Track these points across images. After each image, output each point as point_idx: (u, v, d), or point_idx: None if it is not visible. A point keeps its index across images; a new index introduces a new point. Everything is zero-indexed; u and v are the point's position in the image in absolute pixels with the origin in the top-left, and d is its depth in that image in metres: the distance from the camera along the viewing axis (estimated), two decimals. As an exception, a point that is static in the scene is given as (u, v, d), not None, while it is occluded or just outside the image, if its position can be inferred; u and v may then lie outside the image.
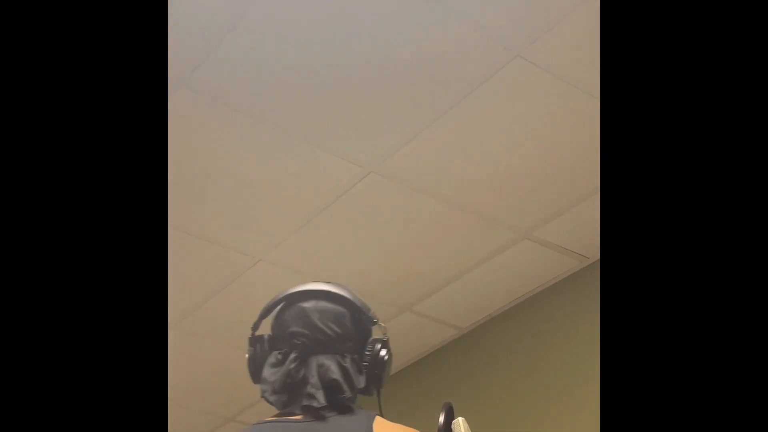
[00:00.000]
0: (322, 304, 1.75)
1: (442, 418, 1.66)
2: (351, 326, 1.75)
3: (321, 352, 1.70)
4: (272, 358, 1.72)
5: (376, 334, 1.81)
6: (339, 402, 1.67)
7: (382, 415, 1.69)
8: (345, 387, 1.68)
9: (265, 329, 1.82)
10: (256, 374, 1.76)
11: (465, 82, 2.61)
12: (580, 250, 3.32)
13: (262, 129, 2.76)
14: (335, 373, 1.68)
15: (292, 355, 1.70)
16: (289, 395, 1.68)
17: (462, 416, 1.67)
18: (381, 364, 1.74)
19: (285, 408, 1.68)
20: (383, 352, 1.74)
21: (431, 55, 2.52)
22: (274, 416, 1.69)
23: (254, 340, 1.78)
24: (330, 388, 1.67)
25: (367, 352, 1.74)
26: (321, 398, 1.65)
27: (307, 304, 1.74)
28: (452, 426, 1.65)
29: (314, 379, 1.67)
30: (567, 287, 3.44)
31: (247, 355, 1.78)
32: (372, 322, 1.79)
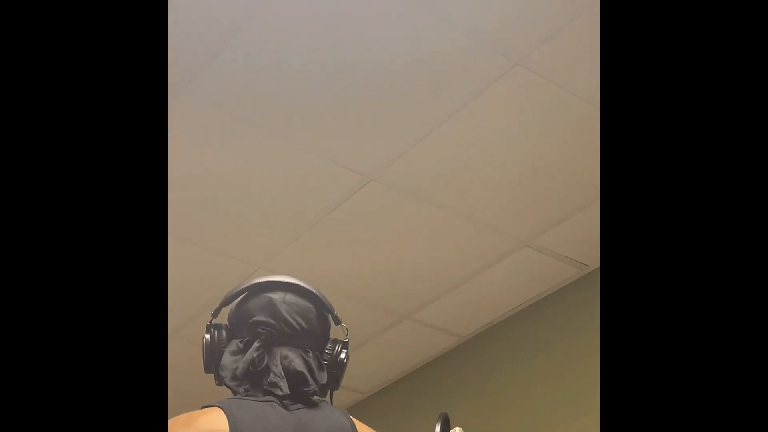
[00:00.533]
0: (290, 296, 1.72)
1: (438, 429, 1.66)
2: (316, 323, 1.72)
3: (285, 344, 1.68)
4: (232, 346, 1.68)
5: (335, 335, 1.81)
6: (303, 394, 1.65)
7: None
8: (310, 380, 1.65)
9: (222, 321, 1.80)
10: (210, 362, 1.71)
11: (465, 90, 2.62)
12: (580, 258, 3.33)
13: (262, 136, 2.76)
14: (300, 365, 1.66)
15: (256, 344, 1.66)
16: (250, 383, 1.64)
17: (461, 425, 1.66)
18: (340, 366, 1.72)
19: (246, 394, 1.64)
20: (343, 354, 1.72)
21: (432, 63, 2.53)
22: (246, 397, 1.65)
23: (212, 327, 1.73)
24: (294, 379, 1.64)
25: (327, 351, 1.72)
26: (284, 387, 1.62)
27: (275, 296, 1.71)
28: None
29: (278, 369, 1.64)
30: (567, 295, 3.44)
31: (202, 342, 1.73)
32: (336, 321, 1.78)
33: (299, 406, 1.64)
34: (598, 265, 3.33)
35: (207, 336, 1.72)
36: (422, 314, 3.61)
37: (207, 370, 1.73)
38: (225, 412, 1.56)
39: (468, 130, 2.75)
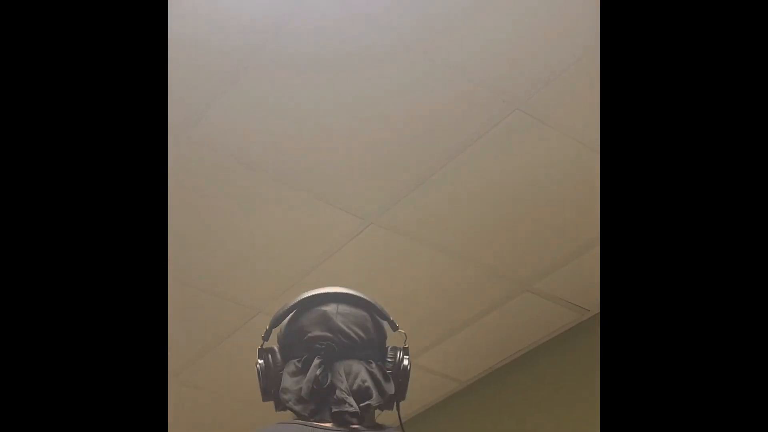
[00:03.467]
0: (344, 307, 1.63)
1: None
2: (373, 331, 1.64)
3: (346, 357, 1.58)
4: (291, 367, 1.60)
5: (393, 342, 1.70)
6: (367, 409, 1.55)
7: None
8: (375, 393, 1.57)
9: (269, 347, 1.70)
10: (268, 389, 1.62)
11: (465, 134, 2.63)
12: (581, 303, 3.32)
13: (261, 180, 2.76)
14: (366, 379, 1.57)
15: (316, 361, 1.56)
16: (316, 404, 1.55)
17: None
18: (404, 373, 1.63)
19: (313, 417, 1.54)
20: (406, 361, 1.63)
21: (431, 107, 2.54)
22: (300, 420, 1.55)
23: (264, 352, 1.64)
24: (360, 394, 1.55)
25: (390, 360, 1.62)
26: (353, 403, 1.53)
27: (328, 308, 1.62)
28: None
29: (344, 385, 1.55)
30: (568, 340, 3.42)
31: (257, 368, 1.63)
32: (393, 327, 1.67)
33: (362, 428, 1.55)
34: (598, 309, 3.32)
35: (260, 361, 1.63)
36: (422, 359, 3.60)
37: (265, 396, 1.63)
38: None
39: (468, 174, 2.76)
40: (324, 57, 2.39)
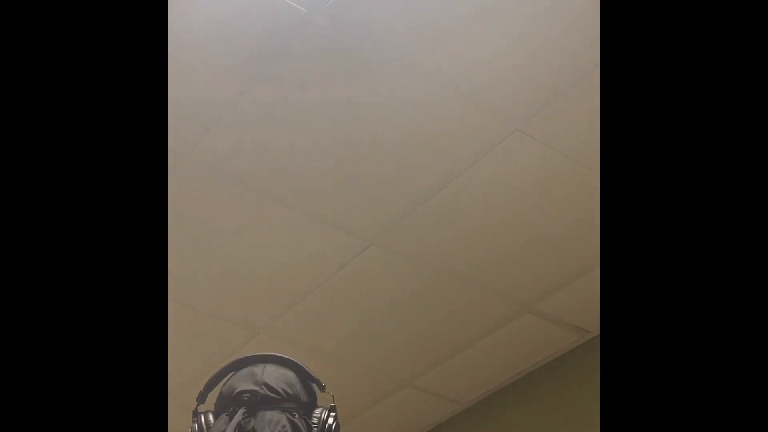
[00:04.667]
0: (271, 366, 1.73)
1: None
2: (300, 389, 1.72)
3: (270, 408, 1.67)
4: (220, 421, 1.68)
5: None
6: None
7: None
8: None
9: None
10: None
11: (465, 155, 2.63)
12: (582, 324, 3.31)
13: (262, 201, 2.76)
14: (286, 425, 1.65)
15: (242, 410, 1.65)
16: None
17: None
18: (329, 430, 1.71)
19: None
20: (331, 419, 1.71)
21: (431, 128, 2.54)
22: None
23: (198, 414, 1.74)
24: None
25: (315, 417, 1.71)
26: None
27: (256, 368, 1.73)
28: None
29: (266, 431, 1.64)
30: (568, 361, 3.41)
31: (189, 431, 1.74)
32: (321, 388, 1.77)
33: None
34: (599, 331, 3.32)
35: (194, 425, 1.73)
36: (423, 381, 3.59)
37: None
38: None
39: (468, 195, 2.76)
40: (323, 78, 2.40)
